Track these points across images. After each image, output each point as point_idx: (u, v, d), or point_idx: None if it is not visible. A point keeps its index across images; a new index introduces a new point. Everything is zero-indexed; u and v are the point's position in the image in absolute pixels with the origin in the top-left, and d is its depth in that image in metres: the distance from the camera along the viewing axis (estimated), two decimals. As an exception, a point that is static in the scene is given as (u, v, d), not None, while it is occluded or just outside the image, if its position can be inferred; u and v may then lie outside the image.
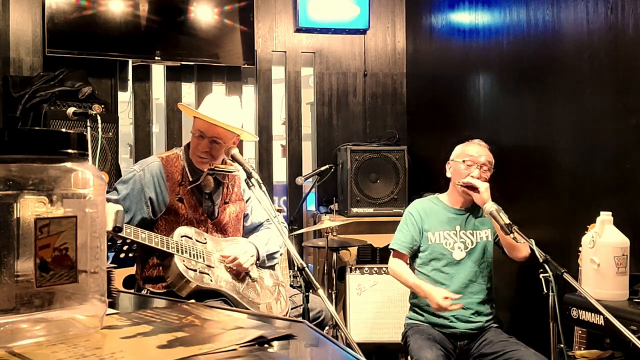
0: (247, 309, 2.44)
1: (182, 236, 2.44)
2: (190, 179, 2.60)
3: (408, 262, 2.99)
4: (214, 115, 2.54)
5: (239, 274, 2.55)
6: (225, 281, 2.47)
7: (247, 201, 2.77)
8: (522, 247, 2.73)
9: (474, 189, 2.78)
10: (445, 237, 2.89)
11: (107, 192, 2.67)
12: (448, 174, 2.98)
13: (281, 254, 2.80)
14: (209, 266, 2.45)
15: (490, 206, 2.61)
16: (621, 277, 2.27)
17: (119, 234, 2.27)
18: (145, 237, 2.35)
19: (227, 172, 2.57)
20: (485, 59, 3.83)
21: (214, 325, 1.15)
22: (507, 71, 3.60)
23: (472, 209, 2.94)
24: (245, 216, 2.79)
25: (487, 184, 2.80)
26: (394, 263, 2.96)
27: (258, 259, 2.61)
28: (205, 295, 2.36)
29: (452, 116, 4.29)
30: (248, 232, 2.80)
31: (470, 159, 2.87)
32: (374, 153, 4.42)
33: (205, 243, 2.51)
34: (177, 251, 2.36)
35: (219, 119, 2.53)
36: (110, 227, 2.25)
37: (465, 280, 2.84)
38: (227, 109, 2.61)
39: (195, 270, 2.38)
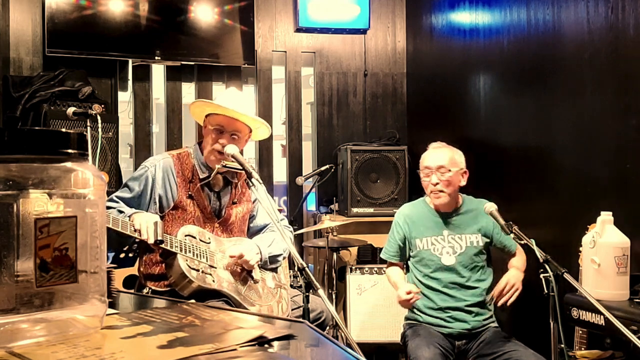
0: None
1: (186, 235, 2.44)
2: (201, 177, 2.62)
3: (404, 267, 3.05)
4: (234, 109, 2.58)
5: (241, 275, 2.54)
6: (227, 282, 2.47)
7: (254, 202, 2.78)
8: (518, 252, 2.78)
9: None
10: (433, 243, 2.89)
11: (109, 191, 2.69)
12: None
13: (284, 258, 2.79)
14: (211, 266, 2.45)
15: (490, 206, 2.61)
16: (621, 277, 2.27)
17: (161, 245, 2.31)
18: None
19: (238, 170, 2.57)
20: (486, 58, 3.83)
21: (214, 325, 1.14)
22: (507, 71, 3.60)
23: (457, 212, 2.93)
24: (251, 217, 2.80)
25: (517, 284, 2.73)
26: (387, 271, 3.07)
27: (261, 258, 2.61)
28: (206, 295, 2.36)
29: (452, 116, 4.29)
30: (253, 233, 2.80)
31: (426, 169, 2.90)
32: (374, 153, 4.41)
33: (209, 243, 2.51)
34: (181, 250, 2.37)
35: (241, 112, 2.58)
36: (152, 241, 2.29)
37: (456, 284, 2.83)
38: (244, 102, 2.67)
39: (198, 270, 2.38)
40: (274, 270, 2.73)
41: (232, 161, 2.45)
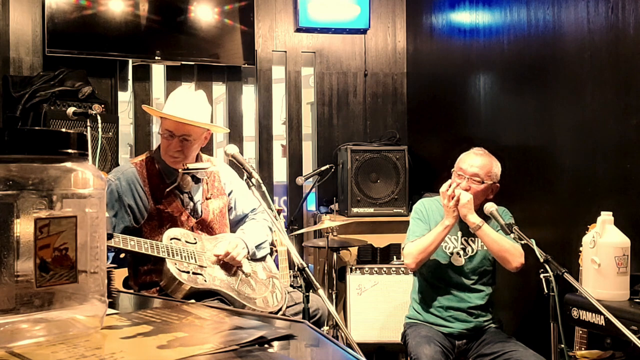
0: (244, 305, 2.45)
1: (171, 239, 2.43)
2: (168, 181, 2.58)
3: None
4: (180, 113, 2.51)
5: (232, 270, 2.53)
6: (220, 279, 2.47)
7: (229, 194, 2.76)
8: (511, 257, 2.69)
9: (456, 199, 2.71)
10: (446, 241, 2.85)
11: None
12: None
13: (269, 242, 2.78)
14: (201, 266, 2.44)
15: (490, 206, 2.61)
16: (622, 277, 2.27)
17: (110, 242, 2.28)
18: (134, 244, 2.33)
19: (201, 169, 2.56)
20: (486, 58, 3.83)
21: (214, 326, 1.14)
22: (507, 71, 3.60)
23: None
24: (230, 209, 2.78)
25: (468, 197, 2.69)
26: (408, 247, 2.82)
27: (248, 252, 2.61)
28: (201, 295, 2.36)
29: (452, 116, 4.29)
30: (234, 224, 2.79)
31: (460, 171, 2.80)
32: (374, 153, 4.42)
33: (195, 243, 2.50)
34: (168, 255, 2.36)
35: (186, 117, 2.51)
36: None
37: (462, 285, 2.82)
38: (193, 104, 2.59)
39: (188, 272, 2.37)
40: (263, 259, 2.73)
41: (195, 161, 2.44)
